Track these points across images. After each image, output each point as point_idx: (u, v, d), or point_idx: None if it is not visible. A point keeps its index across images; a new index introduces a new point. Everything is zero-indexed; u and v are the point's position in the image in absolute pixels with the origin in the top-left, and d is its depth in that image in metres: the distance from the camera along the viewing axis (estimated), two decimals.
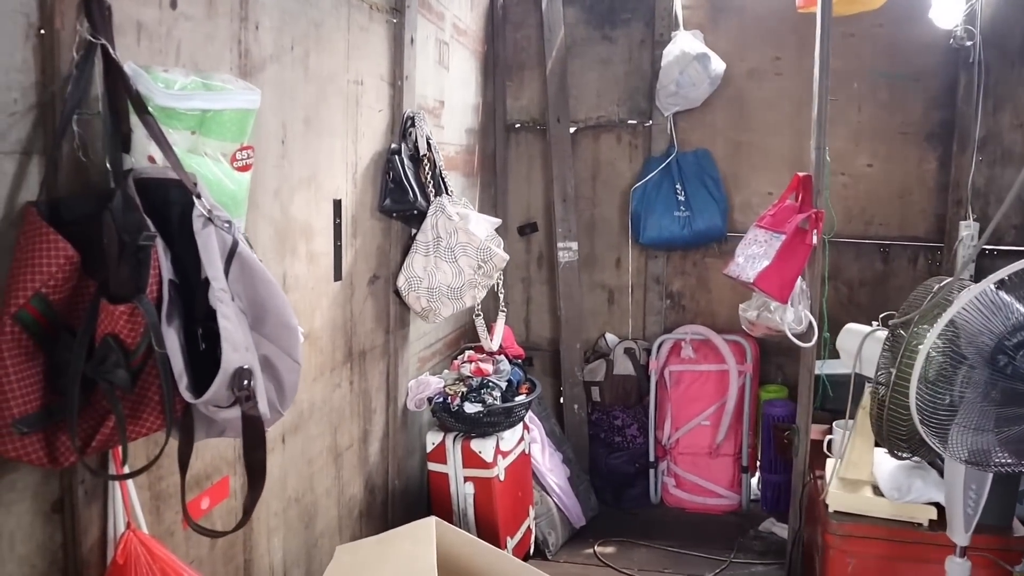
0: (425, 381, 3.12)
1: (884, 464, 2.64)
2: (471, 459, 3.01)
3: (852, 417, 2.64)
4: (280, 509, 2.25)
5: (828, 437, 2.93)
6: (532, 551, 3.40)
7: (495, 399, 3.07)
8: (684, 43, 3.80)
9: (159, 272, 1.37)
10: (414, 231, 2.92)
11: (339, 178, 2.53)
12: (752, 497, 4.04)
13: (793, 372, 3.54)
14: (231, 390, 1.36)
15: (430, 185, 2.89)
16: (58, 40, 1.37)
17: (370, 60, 2.69)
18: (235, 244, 1.46)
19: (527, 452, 3.37)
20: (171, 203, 1.44)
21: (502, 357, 3.29)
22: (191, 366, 1.37)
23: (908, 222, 4.00)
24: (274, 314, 1.52)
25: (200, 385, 1.36)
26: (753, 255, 3.02)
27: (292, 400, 1.62)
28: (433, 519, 2.39)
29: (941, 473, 2.42)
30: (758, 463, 4.06)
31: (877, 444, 2.57)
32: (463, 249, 2.85)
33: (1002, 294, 1.85)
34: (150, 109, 1.43)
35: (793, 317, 2.98)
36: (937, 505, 2.52)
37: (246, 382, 1.37)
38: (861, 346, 2.43)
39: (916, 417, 1.89)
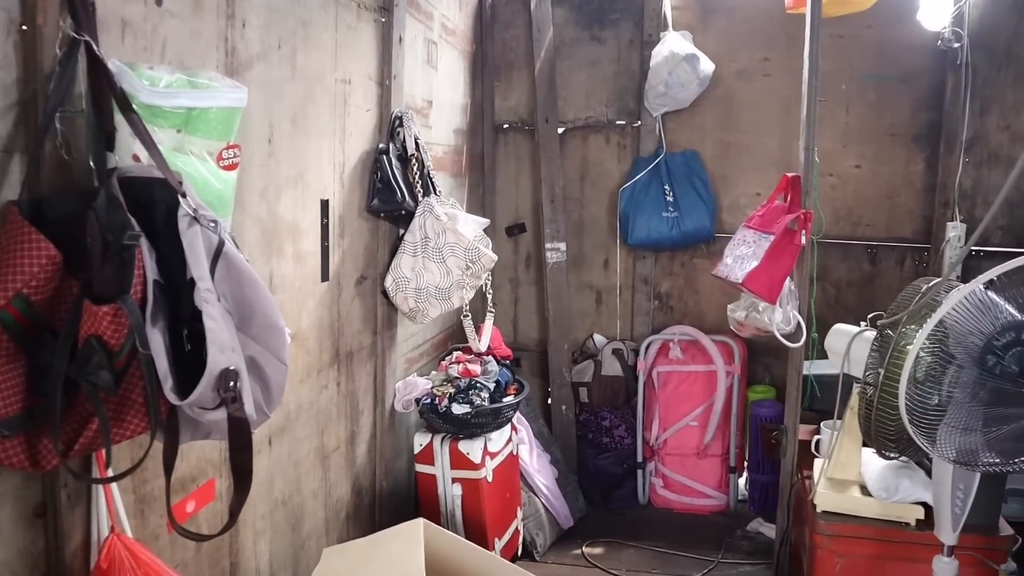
0: (413, 382, 3.11)
1: (872, 464, 2.64)
2: (459, 460, 3.00)
3: (840, 417, 2.65)
4: (267, 511, 2.24)
5: (816, 437, 2.94)
6: (520, 552, 3.40)
7: (483, 400, 3.05)
8: (673, 44, 3.80)
9: (144, 272, 1.35)
10: (402, 231, 2.90)
11: (326, 178, 2.51)
12: (740, 497, 4.05)
13: (781, 373, 3.55)
14: (217, 392, 1.34)
15: (418, 185, 2.87)
16: (40, 37, 1.35)
17: (358, 59, 2.67)
18: (221, 244, 1.44)
19: (515, 453, 3.36)
20: (156, 202, 1.42)
21: (490, 358, 3.28)
22: (176, 367, 1.35)
23: (895, 223, 4.02)
24: (261, 315, 1.50)
25: (185, 387, 1.34)
26: (742, 256, 3.02)
27: (279, 401, 1.60)
28: (421, 521, 2.37)
29: (928, 473, 2.43)
30: (746, 463, 4.07)
31: (865, 444, 2.57)
32: (451, 250, 2.84)
33: (991, 294, 1.85)
34: (135, 107, 1.41)
35: (781, 318, 2.98)
36: (924, 505, 2.53)
37: (232, 383, 1.35)
38: (849, 346, 2.43)
39: (905, 417, 1.90)
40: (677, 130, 4.09)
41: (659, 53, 3.83)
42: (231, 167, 1.66)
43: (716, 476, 3.98)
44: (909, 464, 2.62)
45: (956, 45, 3.69)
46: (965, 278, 2.07)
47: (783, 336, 2.99)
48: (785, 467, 3.12)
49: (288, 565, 2.37)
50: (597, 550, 3.56)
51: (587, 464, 4.05)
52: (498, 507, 3.13)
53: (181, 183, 1.43)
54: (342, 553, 2.31)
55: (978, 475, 2.08)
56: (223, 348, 1.36)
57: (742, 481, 4.09)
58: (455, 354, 3.31)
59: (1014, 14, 3.73)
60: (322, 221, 2.48)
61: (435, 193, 2.94)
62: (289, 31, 2.20)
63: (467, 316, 3.22)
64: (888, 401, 2.05)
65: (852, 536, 2.58)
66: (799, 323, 3.00)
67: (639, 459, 4.05)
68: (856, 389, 2.50)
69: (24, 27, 1.34)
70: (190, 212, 1.41)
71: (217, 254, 1.43)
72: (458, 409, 2.98)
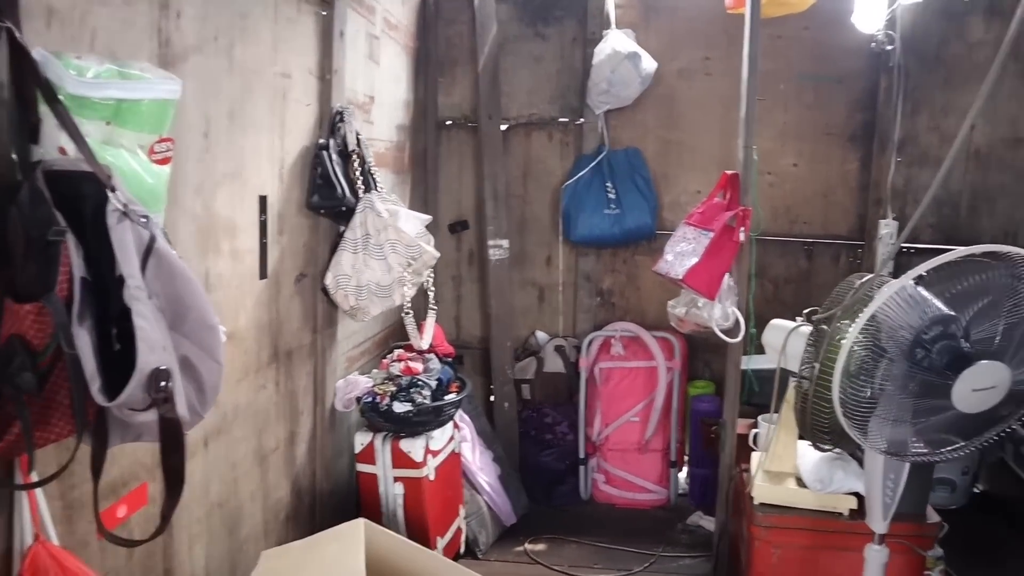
0: (354, 381, 3.07)
1: (807, 456, 2.70)
2: (400, 459, 2.97)
3: (777, 411, 2.70)
4: (202, 515, 2.18)
5: (753, 431, 2.99)
6: (463, 550, 3.38)
7: (425, 398, 3.03)
8: (616, 42, 3.82)
9: (70, 269, 1.30)
10: (343, 228, 2.86)
11: (265, 174, 2.46)
12: (680, 492, 4.10)
13: (721, 368, 3.60)
14: (147, 392, 1.30)
15: (359, 181, 2.84)
16: None
17: (298, 53, 2.63)
18: (152, 240, 1.40)
19: (457, 451, 3.35)
20: (84, 197, 1.38)
21: (432, 356, 3.26)
22: (105, 368, 1.31)
23: (831, 221, 4.12)
24: (194, 313, 1.46)
25: (114, 387, 1.30)
26: (682, 252, 3.06)
27: (213, 402, 1.57)
28: (362, 521, 2.35)
29: (861, 464, 2.49)
30: (687, 458, 4.12)
31: (801, 437, 2.62)
32: (392, 246, 2.81)
33: (920, 290, 1.91)
34: (60, 97, 1.36)
35: (720, 313, 3.03)
36: (857, 495, 2.59)
37: (163, 383, 1.31)
38: (786, 342, 2.47)
39: (839, 410, 1.94)
40: (619, 128, 4.12)
41: (602, 51, 3.84)
42: (164, 161, 1.61)
43: (657, 471, 4.02)
44: (843, 456, 2.68)
45: (889, 48, 3.79)
46: (897, 274, 2.12)
47: (722, 332, 3.03)
48: (724, 461, 3.17)
49: (225, 569, 2.32)
50: (539, 547, 3.57)
51: (529, 461, 4.05)
52: (440, 506, 3.12)
53: (110, 177, 1.39)
54: (280, 556, 2.28)
55: (908, 465, 2.14)
56: (154, 347, 1.32)
57: (683, 475, 4.14)
58: (397, 352, 3.28)
59: (943, 19, 3.85)
60: (260, 218, 2.44)
61: (376, 190, 2.91)
62: (226, 23, 2.15)
63: (409, 314, 3.19)
64: (823, 394, 2.09)
65: (788, 527, 2.63)
66: (737, 319, 3.04)
67: (581, 455, 4.07)
68: (792, 383, 2.54)
69: None
70: (120, 207, 1.36)
71: (148, 251, 1.39)
72: (399, 407, 2.96)
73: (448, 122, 4.20)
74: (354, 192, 2.82)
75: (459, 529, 3.33)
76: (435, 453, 3.05)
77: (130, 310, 1.31)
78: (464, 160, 4.22)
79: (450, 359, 3.40)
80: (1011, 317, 1.89)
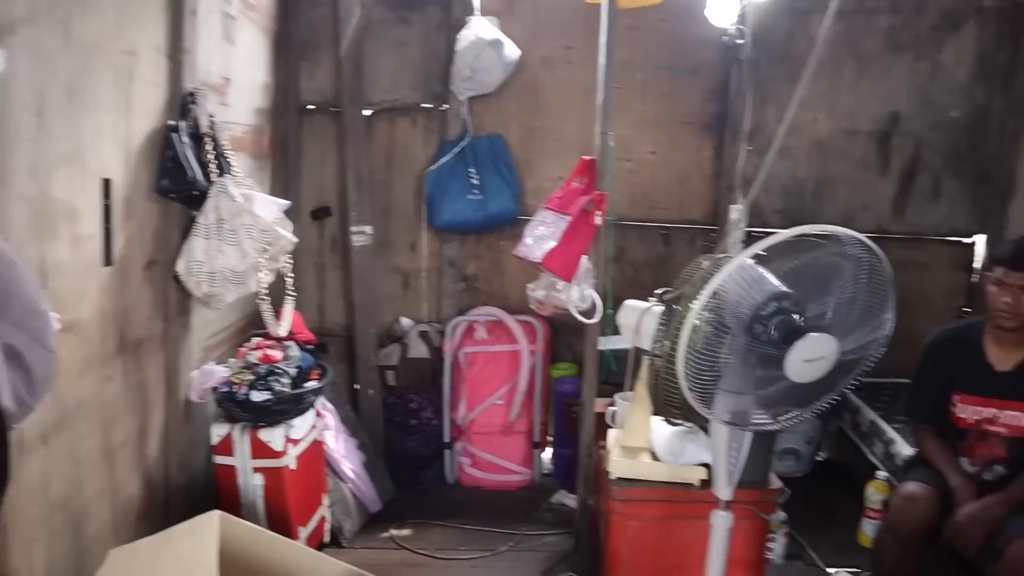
0: (209, 370, 2.97)
1: (660, 431, 2.81)
2: (260, 449, 2.90)
3: (632, 389, 2.79)
4: (42, 517, 2.06)
5: (611, 409, 3.09)
6: (327, 539, 3.35)
7: (284, 386, 2.97)
8: (479, 29, 3.83)
9: None
10: (195, 213, 2.76)
11: (109, 156, 2.34)
12: (545, 472, 4.19)
13: (582, 350, 3.69)
14: None
15: (212, 165, 2.74)
16: None
17: (145, 30, 2.51)
18: None
19: (320, 439, 3.30)
20: None
21: (291, 343, 3.19)
22: None
23: (687, 206, 4.29)
24: (19, 299, 1.38)
25: None
26: (541, 236, 3.11)
27: (46, 392, 1.49)
28: (217, 513, 2.27)
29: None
30: (550, 439, 4.21)
31: (655, 413, 2.72)
32: (248, 232, 2.73)
33: (760, 268, 2.02)
34: None
35: (578, 295, 3.10)
36: (707, 466, 2.72)
37: None
38: (639, 321, 2.56)
39: (684, 384, 2.03)
40: (483, 114, 4.14)
41: (465, 38, 3.85)
42: None
43: (521, 452, 4.09)
44: (694, 429, 2.79)
45: (740, 41, 3.97)
46: None
47: (579, 313, 3.11)
48: (584, 439, 3.26)
49: (69, 573, 2.21)
50: (405, 532, 3.57)
51: (395, 447, 4.04)
52: (302, 495, 3.07)
53: None
54: (129, 554, 2.18)
55: (750, 435, 2.26)
56: None
57: (547, 456, 4.23)
58: (255, 340, 3.19)
59: (790, 16, 4.06)
60: (104, 202, 2.31)
61: (231, 174, 2.82)
62: None
63: (266, 300, 3.11)
64: (672, 371, 2.17)
65: (643, 499, 2.73)
66: (594, 301, 3.13)
67: (446, 439, 4.09)
68: (646, 361, 2.64)
69: None
70: None
71: None
72: (257, 396, 2.89)
73: (310, 107, 4.11)
74: (207, 176, 2.71)
75: (323, 518, 3.29)
76: (296, 442, 3.00)
77: None
78: (327, 145, 4.15)
79: (311, 346, 3.34)
80: (842, 294, 2.03)
